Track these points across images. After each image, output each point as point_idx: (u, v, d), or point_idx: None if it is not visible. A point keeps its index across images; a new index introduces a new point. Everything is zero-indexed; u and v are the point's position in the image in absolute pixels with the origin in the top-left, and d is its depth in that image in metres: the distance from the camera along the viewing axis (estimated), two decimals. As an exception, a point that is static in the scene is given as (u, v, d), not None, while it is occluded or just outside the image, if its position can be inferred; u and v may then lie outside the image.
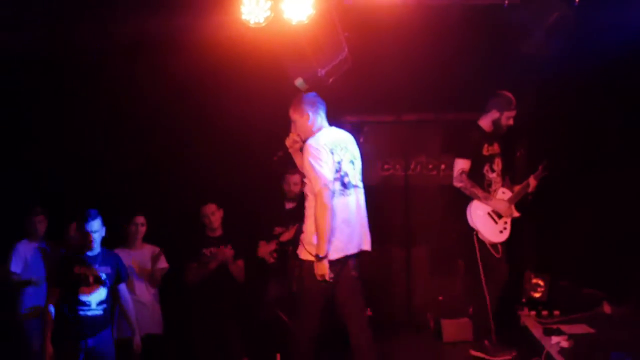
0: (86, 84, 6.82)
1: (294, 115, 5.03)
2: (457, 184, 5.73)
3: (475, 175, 5.75)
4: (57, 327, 5.20)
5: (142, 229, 6.37)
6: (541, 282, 6.56)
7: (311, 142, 4.87)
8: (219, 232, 6.43)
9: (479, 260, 5.62)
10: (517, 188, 5.90)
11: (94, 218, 5.32)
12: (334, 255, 4.77)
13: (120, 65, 6.63)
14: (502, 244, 5.75)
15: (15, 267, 6.24)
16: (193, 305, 6.29)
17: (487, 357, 5.62)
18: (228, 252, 6.24)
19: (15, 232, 6.42)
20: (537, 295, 6.54)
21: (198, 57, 6.15)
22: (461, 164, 5.73)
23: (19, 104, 6.97)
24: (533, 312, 6.33)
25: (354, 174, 5.02)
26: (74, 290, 5.23)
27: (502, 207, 5.74)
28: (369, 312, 7.04)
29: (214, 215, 6.37)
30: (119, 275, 5.51)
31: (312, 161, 4.79)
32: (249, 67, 6.12)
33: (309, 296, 4.87)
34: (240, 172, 7.02)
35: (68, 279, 5.23)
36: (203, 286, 6.22)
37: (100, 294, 5.30)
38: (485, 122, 5.83)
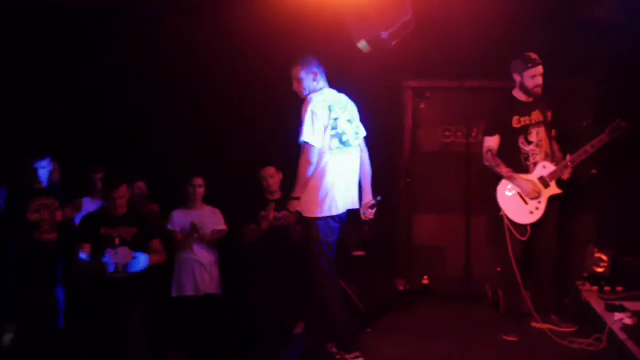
0: (150, 42, 6.86)
1: (301, 73, 5.01)
2: (485, 163, 5.61)
3: (510, 149, 5.56)
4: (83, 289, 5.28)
5: (201, 190, 6.43)
6: (604, 257, 6.37)
7: (313, 97, 4.91)
8: (277, 195, 6.43)
9: (508, 241, 5.49)
10: (556, 167, 5.54)
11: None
12: (334, 210, 4.90)
13: (183, 23, 6.65)
14: (533, 224, 5.55)
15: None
16: (251, 267, 6.34)
17: (552, 327, 5.50)
18: (291, 218, 6.25)
19: (78, 190, 6.52)
20: (600, 270, 6.35)
21: (261, 18, 6.11)
22: (487, 142, 5.61)
23: (82, 61, 7.06)
24: (595, 288, 6.16)
25: (352, 133, 5.03)
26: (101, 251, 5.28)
27: (526, 187, 5.48)
28: (425, 281, 7.05)
29: (272, 178, 6.37)
30: (148, 234, 5.56)
31: (307, 117, 4.83)
32: (313, 29, 6.05)
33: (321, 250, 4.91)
34: (298, 135, 6.97)
35: (95, 239, 5.31)
36: (261, 248, 6.25)
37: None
38: (516, 92, 5.60)
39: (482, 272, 6.98)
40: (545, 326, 5.52)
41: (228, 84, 7.02)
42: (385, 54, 5.34)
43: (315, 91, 4.99)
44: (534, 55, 5.51)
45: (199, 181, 6.44)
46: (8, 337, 5.95)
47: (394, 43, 5.32)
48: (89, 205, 6.42)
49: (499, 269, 6.36)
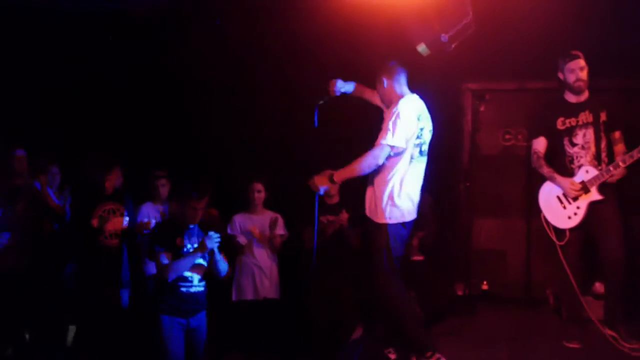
0: (210, 46, 6.95)
1: (385, 78, 4.96)
2: (532, 165, 5.54)
3: (555, 151, 5.44)
4: (157, 302, 5.04)
5: (261, 196, 6.47)
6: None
7: (403, 105, 4.80)
8: (336, 199, 6.45)
9: (557, 246, 5.38)
10: (599, 171, 5.30)
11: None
12: (407, 217, 4.87)
13: (241, 27, 6.71)
14: (572, 229, 5.40)
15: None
16: (311, 272, 6.35)
17: (618, 338, 5.36)
18: (344, 216, 6.25)
19: (141, 195, 6.64)
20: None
21: (320, 21, 6.13)
22: (534, 145, 5.52)
23: (141, 64, 7.19)
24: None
25: (428, 143, 5.00)
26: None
27: (565, 186, 5.34)
28: (484, 286, 6.97)
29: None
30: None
31: (394, 119, 4.73)
32: (372, 32, 6.04)
33: (389, 256, 4.82)
34: (358, 138, 6.96)
35: (178, 249, 5.07)
36: (321, 253, 6.26)
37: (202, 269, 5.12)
38: (566, 93, 5.47)
39: (543, 276, 6.87)
40: (612, 333, 5.38)
41: (289, 85, 7.07)
42: (444, 56, 5.30)
43: (400, 97, 4.92)
44: (574, 51, 5.40)
45: (259, 186, 6.48)
46: (71, 337, 6.10)
47: (453, 45, 5.27)
48: (150, 210, 6.53)
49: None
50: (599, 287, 6.05)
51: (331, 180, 4.84)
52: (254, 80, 7.15)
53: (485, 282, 7.00)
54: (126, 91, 7.27)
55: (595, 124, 5.39)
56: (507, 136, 7.26)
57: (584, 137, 5.39)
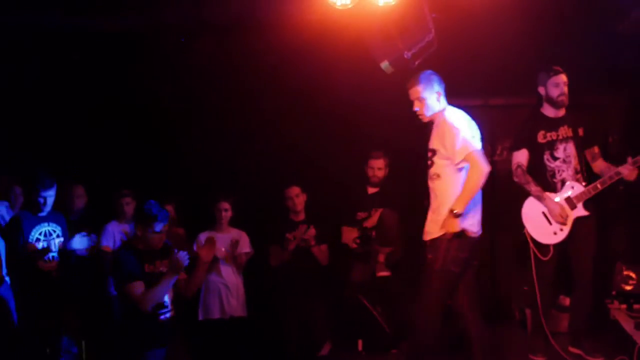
0: (173, 66, 6.93)
1: (425, 92, 4.89)
2: (514, 179, 5.51)
3: (535, 165, 5.47)
4: (137, 336, 4.65)
5: (227, 215, 6.43)
6: (633, 275, 6.27)
7: (453, 116, 4.82)
8: (302, 216, 6.45)
9: (532, 260, 5.43)
10: (586, 188, 5.38)
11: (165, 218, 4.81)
12: (479, 229, 4.82)
13: (207, 46, 6.70)
14: (556, 245, 5.45)
15: (106, 242, 6.37)
16: (278, 289, 6.34)
17: (582, 354, 5.42)
18: (311, 232, 6.26)
19: (107, 214, 6.57)
20: (628, 288, 6.26)
21: (284, 40, 6.15)
22: (516, 157, 5.51)
23: (107, 83, 7.15)
24: (624, 306, 6.07)
25: None
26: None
27: (553, 210, 5.35)
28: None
29: (297, 197, 6.39)
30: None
31: (459, 131, 4.70)
32: (335, 50, 6.07)
33: (447, 276, 4.79)
34: (324, 156, 7.00)
35: (147, 277, 4.68)
36: (288, 269, 6.26)
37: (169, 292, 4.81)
38: (544, 107, 5.52)
39: (508, 290, 6.92)
40: (576, 351, 5.45)
41: (253, 104, 7.08)
42: (408, 73, 5.33)
43: (441, 110, 4.90)
44: (556, 66, 5.46)
45: (225, 205, 6.44)
46: None
47: (416, 63, 5.32)
48: (115, 228, 6.47)
49: (525, 288, 6.31)
50: (563, 299, 6.13)
51: (456, 216, 4.65)
52: (219, 98, 7.14)
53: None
54: (90, 110, 7.21)
55: (575, 138, 5.46)
56: (472, 152, 7.32)
57: (565, 151, 5.44)
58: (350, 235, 6.37)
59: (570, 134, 5.46)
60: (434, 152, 4.87)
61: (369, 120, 6.73)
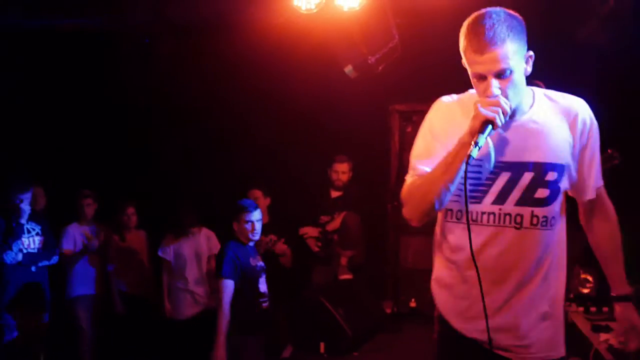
0: (136, 66, 6.89)
1: (513, 60, 2.46)
2: None
3: None
4: (238, 323, 4.74)
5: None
6: (590, 278, 6.39)
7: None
8: (265, 220, 6.43)
9: None
10: None
11: (255, 208, 5.03)
12: None
13: (170, 47, 6.68)
14: None
15: (67, 245, 6.31)
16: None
17: None
18: (272, 237, 6.26)
19: (67, 216, 6.51)
20: (585, 291, 6.37)
21: (248, 43, 6.15)
22: None
23: (69, 86, 7.09)
24: (581, 309, 6.18)
25: None
26: (254, 282, 4.89)
27: None
28: (412, 304, 7.07)
29: (258, 200, 6.37)
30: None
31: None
32: (299, 53, 6.10)
33: None
34: (287, 160, 7.02)
35: (248, 270, 4.86)
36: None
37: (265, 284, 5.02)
38: None
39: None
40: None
41: (215, 106, 7.08)
42: (371, 78, 5.38)
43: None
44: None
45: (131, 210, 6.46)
46: None
47: (380, 68, 5.37)
48: (76, 231, 6.41)
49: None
50: None
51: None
52: (183, 99, 7.12)
53: (413, 300, 7.09)
54: (52, 109, 7.14)
55: None
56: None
57: None
58: (312, 232, 6.40)
59: None
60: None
61: (333, 124, 6.76)
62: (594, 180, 2.69)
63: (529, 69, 2.54)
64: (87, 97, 7.12)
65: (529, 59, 2.55)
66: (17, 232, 5.68)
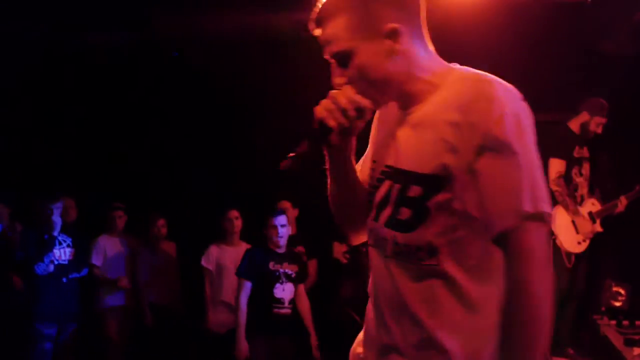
0: (165, 79, 6.95)
1: (350, 39, 1.88)
2: (553, 187, 5.50)
3: (564, 177, 5.61)
4: (247, 323, 5.12)
5: (238, 223, 6.32)
6: (622, 291, 6.30)
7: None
8: (292, 231, 6.43)
9: (567, 266, 5.53)
10: (605, 205, 5.74)
11: (280, 213, 5.32)
12: None
13: (200, 60, 6.73)
14: (577, 254, 5.57)
15: (96, 260, 6.37)
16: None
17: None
18: (300, 249, 6.25)
19: (98, 228, 6.57)
20: (617, 304, 6.28)
21: (276, 56, 6.18)
22: (558, 166, 5.53)
23: (98, 99, 7.16)
24: (613, 322, 6.08)
25: None
26: (269, 286, 5.14)
27: (585, 228, 5.57)
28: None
29: (288, 212, 6.37)
30: (302, 275, 5.49)
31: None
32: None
33: None
34: (314, 171, 6.99)
35: (264, 274, 5.15)
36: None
37: (291, 291, 5.22)
38: (574, 124, 5.70)
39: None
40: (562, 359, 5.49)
41: (244, 118, 7.11)
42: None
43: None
44: (606, 104, 5.65)
45: (235, 213, 6.33)
46: None
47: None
48: (106, 242, 6.46)
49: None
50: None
51: None
52: (213, 110, 7.17)
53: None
54: (81, 123, 7.22)
55: (590, 159, 5.75)
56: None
57: (586, 170, 5.71)
58: (340, 249, 6.39)
59: (588, 154, 5.74)
60: None
61: (362, 131, 6.72)
62: (503, 206, 1.72)
63: (400, 47, 1.82)
64: (117, 110, 7.18)
65: (393, 33, 1.82)
66: (49, 244, 5.75)
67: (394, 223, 1.87)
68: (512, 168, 1.71)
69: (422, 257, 1.81)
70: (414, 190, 1.81)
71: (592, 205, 5.66)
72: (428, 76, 1.87)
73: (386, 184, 1.92)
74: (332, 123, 1.85)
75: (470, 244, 1.79)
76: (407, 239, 1.83)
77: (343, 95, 1.85)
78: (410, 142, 1.87)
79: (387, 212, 1.90)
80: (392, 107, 1.96)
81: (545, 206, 1.72)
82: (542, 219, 1.71)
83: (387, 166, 1.93)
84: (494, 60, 6.28)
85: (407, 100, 1.90)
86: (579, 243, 5.59)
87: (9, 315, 5.82)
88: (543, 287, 1.69)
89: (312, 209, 6.61)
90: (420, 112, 1.87)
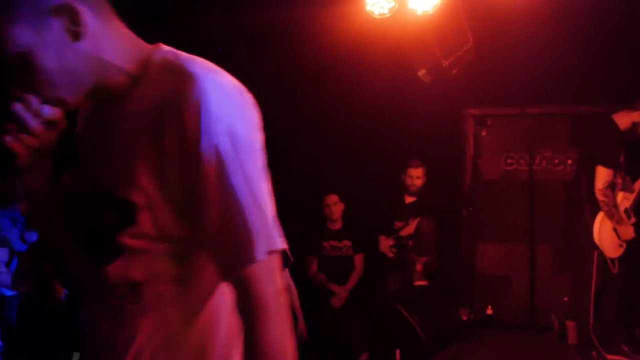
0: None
1: (20, 35, 1.45)
2: (600, 197, 5.28)
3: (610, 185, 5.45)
4: None
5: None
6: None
7: None
8: (339, 225, 6.45)
9: (594, 272, 5.39)
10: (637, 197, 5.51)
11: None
12: None
13: (244, 56, 6.76)
14: (618, 258, 5.44)
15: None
16: (314, 298, 6.34)
17: (624, 358, 5.37)
18: (346, 243, 6.27)
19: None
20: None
21: (321, 49, 6.17)
22: (606, 176, 5.27)
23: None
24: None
25: None
26: None
27: (627, 234, 5.39)
28: (489, 311, 6.95)
29: (335, 205, 6.41)
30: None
31: None
32: (373, 58, 6.08)
33: None
34: (361, 165, 7.01)
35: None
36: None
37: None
38: (623, 120, 5.34)
39: (547, 301, 6.85)
40: (617, 357, 5.38)
41: (290, 113, 7.09)
42: (445, 82, 5.32)
43: None
44: None
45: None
46: None
47: (454, 71, 5.32)
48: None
49: (565, 298, 6.25)
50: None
51: None
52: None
53: (489, 307, 6.97)
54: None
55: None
56: (509, 160, 7.27)
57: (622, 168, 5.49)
58: (387, 243, 6.38)
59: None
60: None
61: (407, 129, 6.72)
62: (222, 246, 1.46)
63: (81, 30, 1.45)
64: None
65: (61, 12, 1.42)
66: None
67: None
68: (227, 189, 1.42)
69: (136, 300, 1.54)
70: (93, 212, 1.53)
71: (624, 199, 5.42)
72: (126, 65, 1.53)
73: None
74: (17, 147, 1.47)
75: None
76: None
77: (23, 109, 1.46)
78: (96, 152, 1.57)
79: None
80: (91, 104, 1.63)
81: (277, 242, 1.46)
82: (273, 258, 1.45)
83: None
84: (539, 53, 6.28)
85: (104, 96, 1.55)
86: (620, 246, 5.43)
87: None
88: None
89: (359, 203, 6.67)
90: (118, 111, 1.53)
